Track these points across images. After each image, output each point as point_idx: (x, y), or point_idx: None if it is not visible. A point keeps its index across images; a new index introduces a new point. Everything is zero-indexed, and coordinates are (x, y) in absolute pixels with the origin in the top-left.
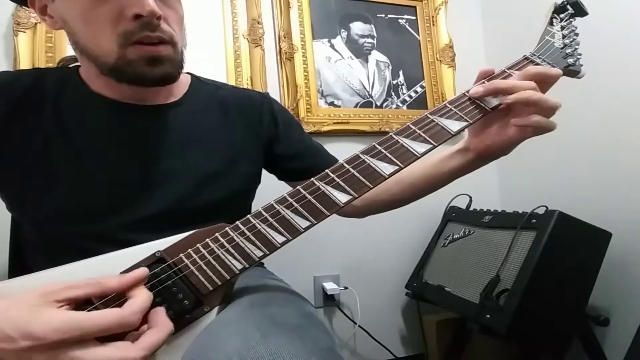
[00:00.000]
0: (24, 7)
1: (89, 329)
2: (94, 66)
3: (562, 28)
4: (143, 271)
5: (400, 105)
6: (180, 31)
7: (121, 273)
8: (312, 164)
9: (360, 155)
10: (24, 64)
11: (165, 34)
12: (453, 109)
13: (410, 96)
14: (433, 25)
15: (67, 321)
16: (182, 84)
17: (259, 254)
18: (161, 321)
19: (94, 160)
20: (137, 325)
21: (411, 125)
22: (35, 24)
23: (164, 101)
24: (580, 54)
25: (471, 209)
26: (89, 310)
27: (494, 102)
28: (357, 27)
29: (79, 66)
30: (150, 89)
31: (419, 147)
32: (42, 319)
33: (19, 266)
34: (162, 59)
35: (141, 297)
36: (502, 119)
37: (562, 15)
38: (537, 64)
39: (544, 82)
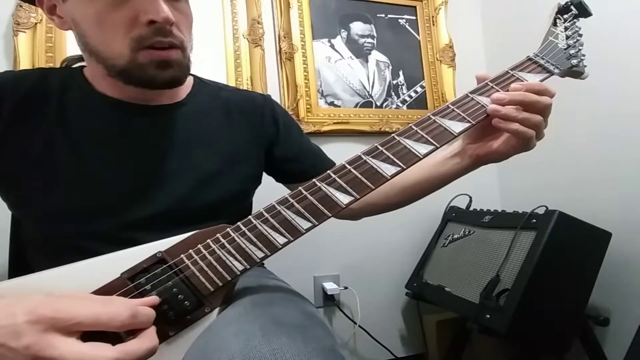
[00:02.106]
0: (26, 6)
1: (82, 315)
2: (103, 67)
3: (566, 29)
4: (153, 299)
5: (400, 105)
6: (189, 35)
7: (122, 274)
8: (310, 167)
9: (362, 156)
10: (24, 64)
11: (176, 39)
12: (455, 109)
13: (410, 96)
14: (433, 25)
15: (68, 304)
16: (185, 85)
17: (260, 254)
18: (148, 334)
19: (97, 160)
20: (125, 324)
21: (413, 126)
22: (35, 24)
23: (167, 102)
24: (584, 55)
25: (471, 209)
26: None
27: None
28: (357, 27)
29: (83, 66)
30: (155, 91)
31: (421, 148)
32: (53, 302)
33: (19, 266)
34: (172, 63)
35: (143, 308)
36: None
37: (565, 16)
38: (541, 65)
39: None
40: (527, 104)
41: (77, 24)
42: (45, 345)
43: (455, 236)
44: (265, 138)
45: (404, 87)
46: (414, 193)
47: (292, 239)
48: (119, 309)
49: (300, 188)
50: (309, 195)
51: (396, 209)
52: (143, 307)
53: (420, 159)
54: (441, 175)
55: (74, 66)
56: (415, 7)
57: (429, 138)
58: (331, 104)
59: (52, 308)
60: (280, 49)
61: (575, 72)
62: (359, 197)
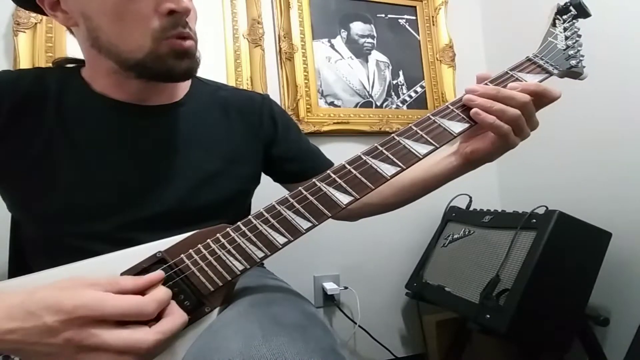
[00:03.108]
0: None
1: (111, 309)
2: (114, 63)
3: (565, 29)
4: (159, 274)
5: (400, 105)
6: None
7: (122, 274)
8: (308, 167)
9: (362, 156)
10: (24, 64)
11: (191, 30)
12: (455, 110)
13: (410, 96)
14: (433, 25)
15: (96, 298)
16: (184, 85)
17: (260, 254)
18: (176, 311)
19: (95, 160)
20: (154, 315)
21: (413, 127)
22: (35, 24)
23: (166, 102)
24: (582, 56)
25: (471, 209)
26: None
27: None
28: (357, 27)
29: (80, 67)
30: (156, 88)
31: (421, 149)
32: (74, 295)
33: (19, 266)
34: (189, 53)
35: (160, 291)
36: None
37: (565, 17)
38: (540, 65)
39: (541, 100)
40: (500, 98)
41: (89, 17)
42: (86, 334)
43: (455, 236)
44: (263, 137)
45: (404, 87)
46: (411, 193)
47: (292, 239)
48: (146, 302)
49: (300, 188)
50: (309, 195)
51: (393, 210)
52: (159, 291)
53: (420, 159)
54: (436, 176)
55: (68, 66)
56: (415, 7)
57: (428, 138)
58: (331, 104)
59: (81, 304)
60: (280, 49)
61: (574, 73)
62: (358, 197)
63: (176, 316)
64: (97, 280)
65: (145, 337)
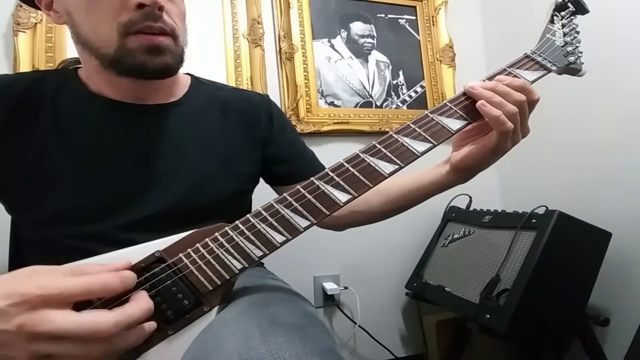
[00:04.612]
0: (26, 6)
1: (73, 286)
2: (95, 59)
3: (563, 26)
4: (124, 262)
5: (400, 105)
6: (183, 26)
7: None
8: (298, 171)
9: (360, 155)
10: (24, 64)
11: (167, 25)
12: (453, 107)
13: (410, 96)
14: (433, 25)
15: (52, 279)
16: (182, 85)
17: (259, 253)
18: (141, 298)
19: (93, 161)
20: (119, 289)
21: (411, 124)
22: (35, 24)
23: (164, 101)
24: (581, 52)
25: (471, 209)
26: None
27: None
28: (357, 27)
29: (78, 67)
30: (150, 87)
31: (419, 146)
32: (30, 280)
33: (19, 267)
34: (163, 49)
35: (125, 271)
36: (480, 131)
37: (563, 13)
38: (538, 62)
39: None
40: (498, 92)
41: (70, 14)
42: (39, 320)
43: (455, 236)
44: (260, 136)
45: (404, 87)
46: (399, 204)
47: (291, 238)
48: (109, 277)
49: (298, 187)
50: (307, 194)
51: (381, 220)
52: (125, 270)
53: (419, 157)
54: (425, 186)
55: (69, 67)
56: (415, 7)
57: (426, 136)
58: (331, 104)
59: (36, 286)
60: (280, 49)
61: (572, 70)
62: (357, 195)
63: (142, 302)
64: (58, 267)
65: (104, 318)
